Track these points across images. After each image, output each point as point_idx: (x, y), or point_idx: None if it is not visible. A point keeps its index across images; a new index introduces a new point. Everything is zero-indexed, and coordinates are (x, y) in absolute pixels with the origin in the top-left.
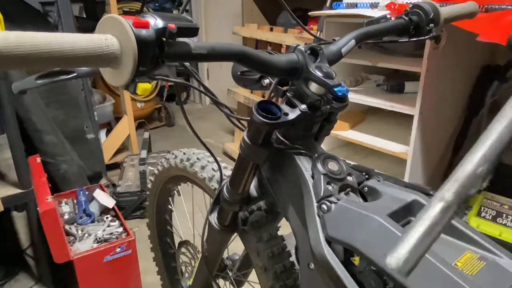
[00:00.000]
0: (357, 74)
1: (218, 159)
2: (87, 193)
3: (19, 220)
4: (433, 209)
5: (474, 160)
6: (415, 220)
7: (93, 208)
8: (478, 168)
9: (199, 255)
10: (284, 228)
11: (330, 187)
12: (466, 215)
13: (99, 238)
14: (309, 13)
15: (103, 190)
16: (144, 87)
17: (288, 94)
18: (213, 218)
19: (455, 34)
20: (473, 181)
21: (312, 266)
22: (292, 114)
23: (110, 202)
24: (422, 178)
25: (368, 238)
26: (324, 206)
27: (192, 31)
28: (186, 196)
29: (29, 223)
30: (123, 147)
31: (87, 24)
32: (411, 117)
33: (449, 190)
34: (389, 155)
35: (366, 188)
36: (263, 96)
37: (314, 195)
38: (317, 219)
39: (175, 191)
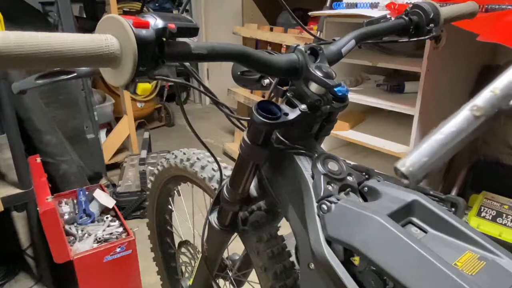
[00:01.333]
0: (357, 74)
1: (218, 159)
2: (87, 193)
3: (19, 220)
4: (462, 117)
5: None
6: (440, 125)
7: (93, 208)
8: None
9: (199, 255)
10: (284, 228)
11: (330, 187)
12: (466, 215)
13: (99, 238)
14: (309, 13)
15: (103, 190)
16: (144, 87)
17: (288, 94)
18: (213, 218)
19: (455, 34)
20: (509, 96)
21: (312, 266)
22: (292, 114)
23: (110, 202)
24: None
25: (368, 238)
26: (324, 206)
27: (192, 31)
28: (186, 196)
29: (29, 223)
30: (123, 147)
31: (87, 24)
32: (411, 117)
33: (483, 100)
34: (389, 155)
35: (366, 188)
36: (263, 96)
37: (314, 195)
38: (317, 219)
39: (175, 191)
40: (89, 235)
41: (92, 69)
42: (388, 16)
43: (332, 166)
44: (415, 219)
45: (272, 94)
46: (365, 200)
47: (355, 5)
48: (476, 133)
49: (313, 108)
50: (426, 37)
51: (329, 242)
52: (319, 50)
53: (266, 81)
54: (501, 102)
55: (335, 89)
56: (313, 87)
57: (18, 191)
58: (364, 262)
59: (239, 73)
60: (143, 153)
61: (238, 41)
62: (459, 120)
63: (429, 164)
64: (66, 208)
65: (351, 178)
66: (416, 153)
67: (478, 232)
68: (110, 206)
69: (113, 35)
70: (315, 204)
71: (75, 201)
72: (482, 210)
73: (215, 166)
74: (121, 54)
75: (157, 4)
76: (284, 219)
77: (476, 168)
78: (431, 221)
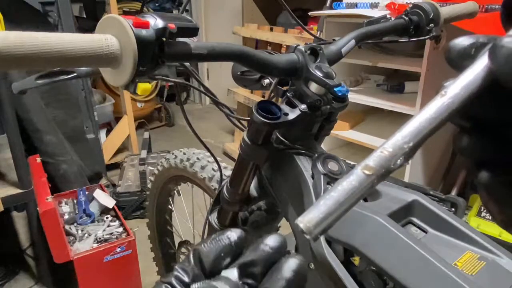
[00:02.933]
0: (357, 74)
1: (218, 159)
2: (87, 193)
3: (19, 220)
4: (355, 176)
5: (402, 136)
6: (336, 184)
7: (93, 208)
8: (404, 144)
9: None
10: (284, 228)
11: (330, 187)
12: (466, 215)
13: (99, 238)
14: (309, 13)
15: (103, 190)
16: (144, 87)
17: (288, 94)
18: (213, 218)
19: (455, 34)
20: (396, 156)
21: (312, 266)
22: (292, 114)
23: (110, 202)
24: (422, 178)
25: (368, 238)
26: None
27: (192, 31)
28: (186, 196)
29: (29, 223)
30: (123, 147)
31: (87, 24)
32: (411, 117)
33: (373, 160)
34: None
35: None
36: (263, 96)
37: (314, 195)
38: None
39: (175, 191)
40: (89, 235)
41: (92, 69)
42: (388, 16)
43: (332, 166)
44: (415, 219)
45: (272, 94)
46: (365, 200)
47: (355, 5)
48: (368, 191)
49: (313, 108)
50: (426, 37)
51: (329, 242)
52: (319, 50)
53: (266, 81)
54: (389, 162)
55: (335, 89)
56: (313, 87)
57: (18, 191)
58: (364, 262)
59: (239, 73)
60: (143, 153)
61: (238, 41)
62: (351, 179)
63: (325, 220)
64: (66, 208)
65: None
66: (313, 210)
67: (478, 232)
68: (110, 206)
69: (113, 35)
70: None
71: (75, 201)
72: (482, 210)
73: (215, 166)
74: (121, 54)
75: (157, 4)
76: (284, 219)
77: None
78: (431, 221)
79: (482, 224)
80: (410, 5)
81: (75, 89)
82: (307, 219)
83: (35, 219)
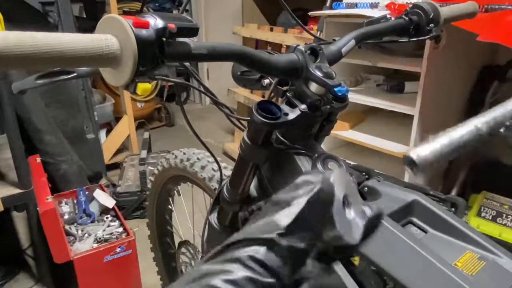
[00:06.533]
0: (357, 74)
1: (218, 159)
2: (87, 193)
3: (19, 220)
4: (466, 127)
5: (506, 110)
6: (449, 130)
7: (93, 208)
8: (507, 118)
9: (199, 255)
10: None
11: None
12: (466, 215)
13: (99, 238)
14: (309, 13)
15: (103, 190)
16: (144, 87)
17: (288, 94)
18: (213, 218)
19: (455, 34)
20: (501, 120)
21: None
22: (292, 114)
23: (110, 202)
24: (422, 178)
25: (368, 238)
26: None
27: (192, 31)
28: (186, 196)
29: (29, 223)
30: (123, 147)
31: (87, 24)
32: (411, 117)
33: (481, 120)
34: (389, 155)
35: (366, 188)
36: (263, 96)
37: None
38: None
39: (175, 191)
40: (89, 235)
41: (92, 69)
42: (388, 16)
43: (332, 166)
44: (415, 219)
45: (272, 94)
46: (365, 200)
47: (355, 5)
48: (472, 144)
49: (313, 108)
50: (426, 37)
51: None
52: (319, 50)
53: (266, 81)
54: (499, 125)
55: (335, 89)
56: (313, 87)
57: (18, 191)
58: (364, 262)
59: (239, 73)
60: (143, 153)
61: (238, 41)
62: (464, 130)
63: (435, 159)
64: (66, 208)
65: (351, 178)
66: (427, 146)
67: (478, 232)
68: (110, 206)
69: (113, 35)
70: None
71: (75, 201)
72: (482, 210)
73: (215, 166)
74: (121, 54)
75: (157, 4)
76: None
77: (476, 168)
78: (431, 221)
79: (482, 224)
80: (410, 5)
81: (75, 89)
82: (421, 152)
83: (35, 219)
